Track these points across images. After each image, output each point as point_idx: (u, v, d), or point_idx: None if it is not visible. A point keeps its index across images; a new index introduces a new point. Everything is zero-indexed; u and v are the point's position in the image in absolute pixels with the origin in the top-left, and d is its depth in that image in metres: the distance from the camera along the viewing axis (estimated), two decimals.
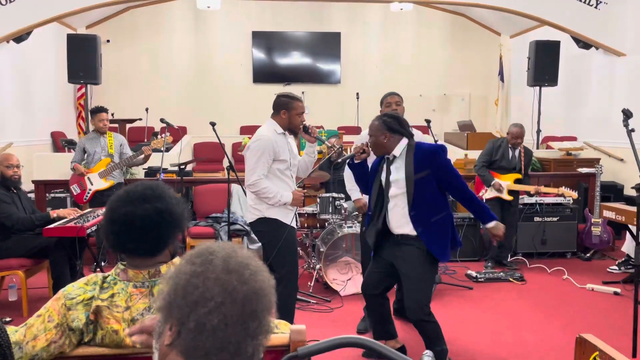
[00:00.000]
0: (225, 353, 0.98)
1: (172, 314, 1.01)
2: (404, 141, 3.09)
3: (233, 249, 1.07)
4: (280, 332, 1.72)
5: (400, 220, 3.07)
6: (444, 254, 3.06)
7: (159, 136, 5.33)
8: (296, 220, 3.58)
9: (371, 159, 3.30)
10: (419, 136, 3.66)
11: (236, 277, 1.00)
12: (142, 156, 5.27)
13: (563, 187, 5.48)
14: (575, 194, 5.43)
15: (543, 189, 5.48)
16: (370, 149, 3.17)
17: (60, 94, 9.09)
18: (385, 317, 3.33)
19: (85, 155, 5.37)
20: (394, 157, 3.09)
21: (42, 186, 5.82)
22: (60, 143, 8.16)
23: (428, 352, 1.32)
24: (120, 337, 1.54)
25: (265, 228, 3.41)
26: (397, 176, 3.06)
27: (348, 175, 3.94)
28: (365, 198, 3.70)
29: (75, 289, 1.58)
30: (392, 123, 3.06)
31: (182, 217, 1.67)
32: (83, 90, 9.11)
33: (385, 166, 3.15)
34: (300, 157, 3.65)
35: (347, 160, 3.30)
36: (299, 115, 3.43)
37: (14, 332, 1.50)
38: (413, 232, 3.04)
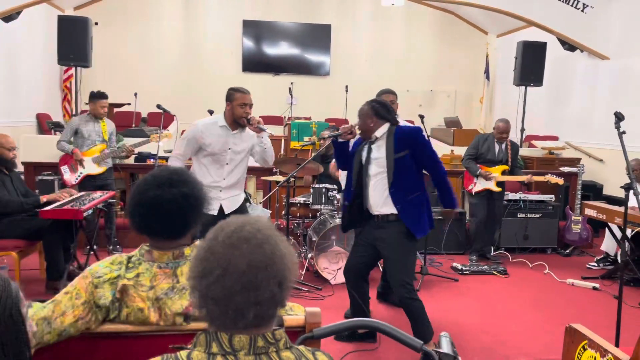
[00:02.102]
0: (227, 318, 1.11)
1: (190, 285, 1.15)
2: (387, 125, 3.27)
3: (243, 224, 1.16)
4: (295, 314, 1.80)
5: (379, 199, 3.24)
6: (421, 230, 3.23)
7: (161, 131, 5.39)
8: (222, 208, 3.64)
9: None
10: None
11: (235, 251, 1.11)
12: (124, 154, 5.34)
13: (549, 174, 5.66)
14: (561, 180, 5.59)
15: (535, 178, 5.62)
16: (357, 130, 3.35)
17: (46, 75, 8.96)
18: (363, 297, 3.51)
19: (76, 136, 5.22)
20: (376, 138, 3.26)
21: (32, 168, 5.77)
22: (46, 125, 8.06)
23: (445, 334, 1.41)
24: (145, 315, 1.60)
25: None
26: (378, 154, 3.23)
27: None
28: None
29: (102, 268, 1.63)
30: (380, 109, 3.26)
31: (205, 201, 1.74)
32: (70, 72, 9.01)
33: (366, 146, 3.31)
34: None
35: (332, 138, 3.44)
36: (240, 106, 3.54)
37: (43, 308, 1.55)
38: (391, 211, 3.20)
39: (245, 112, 3.54)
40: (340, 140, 3.37)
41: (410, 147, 3.18)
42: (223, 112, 3.64)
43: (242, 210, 3.80)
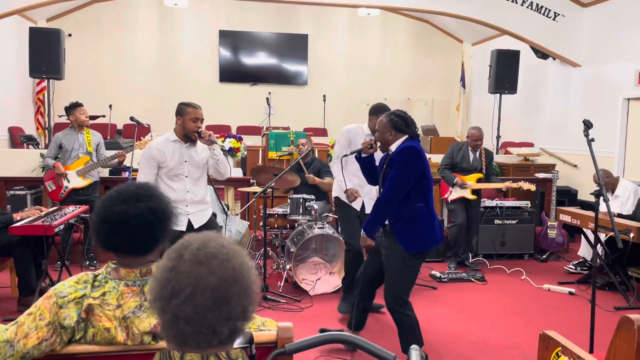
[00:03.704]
0: (202, 336, 1.09)
1: (155, 307, 1.11)
2: (404, 137, 3.16)
3: (206, 240, 1.15)
4: (267, 329, 1.78)
5: None
6: (410, 246, 3.11)
7: (134, 142, 5.26)
8: (191, 223, 3.61)
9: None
10: None
11: (204, 269, 1.09)
12: (116, 160, 5.15)
13: (522, 180, 5.74)
14: (533, 186, 5.67)
15: (512, 184, 5.65)
16: (376, 144, 3.28)
17: (18, 88, 8.80)
18: (367, 309, 3.56)
19: (62, 151, 5.15)
20: (391, 151, 3.19)
21: (2, 183, 5.64)
22: (18, 139, 7.91)
23: (415, 347, 1.40)
24: (112, 334, 1.56)
25: None
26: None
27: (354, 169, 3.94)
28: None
29: (66, 287, 1.58)
30: (398, 122, 3.15)
31: (173, 215, 1.71)
32: (42, 85, 8.86)
33: (385, 164, 3.25)
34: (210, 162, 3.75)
35: (355, 154, 3.39)
36: (192, 120, 3.59)
37: (5, 331, 1.50)
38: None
39: (196, 127, 3.59)
40: (363, 155, 3.34)
41: (392, 162, 3.13)
42: (173, 128, 3.68)
43: (211, 223, 3.78)
